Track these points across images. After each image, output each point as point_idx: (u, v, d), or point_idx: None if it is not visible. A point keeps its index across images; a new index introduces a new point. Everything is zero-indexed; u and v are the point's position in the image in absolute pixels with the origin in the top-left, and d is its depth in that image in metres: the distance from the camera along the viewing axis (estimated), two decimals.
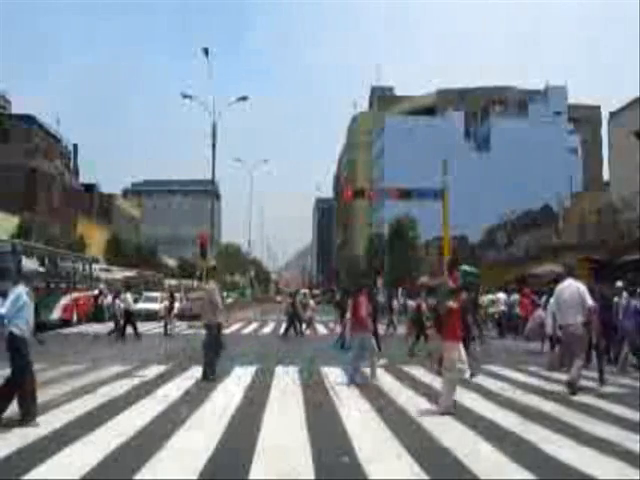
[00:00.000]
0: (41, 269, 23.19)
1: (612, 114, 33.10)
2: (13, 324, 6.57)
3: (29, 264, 21.85)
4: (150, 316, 28.79)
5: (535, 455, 5.38)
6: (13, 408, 6.48)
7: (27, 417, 6.37)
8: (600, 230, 27.83)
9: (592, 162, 73.51)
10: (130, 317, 18.97)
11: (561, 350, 9.73)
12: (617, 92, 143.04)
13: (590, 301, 8.91)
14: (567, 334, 8.99)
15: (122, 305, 19.37)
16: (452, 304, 7.35)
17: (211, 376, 9.81)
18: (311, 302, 23.79)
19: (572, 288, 9.00)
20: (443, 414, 7.02)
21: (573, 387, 8.68)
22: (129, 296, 19.70)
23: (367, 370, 10.02)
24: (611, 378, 10.39)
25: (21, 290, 6.75)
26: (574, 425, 6.64)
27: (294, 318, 20.52)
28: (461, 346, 7.38)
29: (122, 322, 19.03)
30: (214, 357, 10.11)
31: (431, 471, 4.79)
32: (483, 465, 4.99)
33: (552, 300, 9.84)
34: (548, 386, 9.68)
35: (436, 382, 9.89)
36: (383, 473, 4.78)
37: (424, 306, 15.83)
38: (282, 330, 20.93)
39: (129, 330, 18.81)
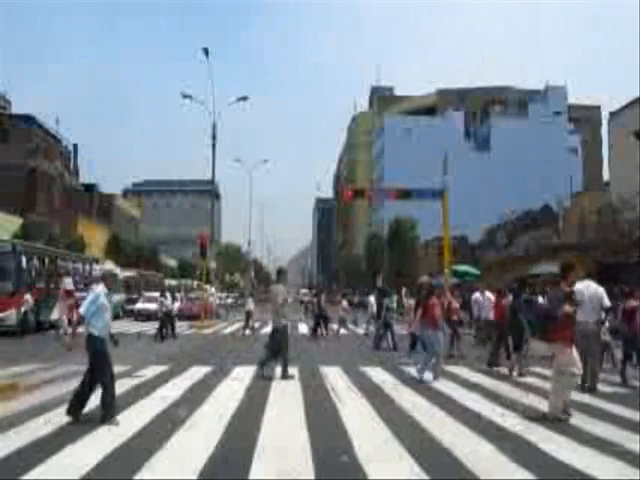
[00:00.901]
0: (41, 269, 23.20)
1: (612, 114, 33.13)
2: (91, 325, 6.62)
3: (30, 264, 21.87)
4: (150, 316, 28.81)
5: (535, 455, 5.38)
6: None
7: (108, 415, 6.42)
8: (600, 230, 27.84)
9: (592, 162, 73.55)
10: (170, 318, 19.54)
11: (579, 350, 9.92)
12: (617, 92, 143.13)
13: (607, 302, 9.37)
14: (585, 332, 9.16)
15: (167, 305, 19.90)
16: (568, 308, 7.22)
17: (288, 375, 10.13)
18: (344, 302, 23.61)
19: (591, 289, 9.36)
20: (552, 420, 6.83)
21: (593, 391, 9.11)
22: (169, 297, 20.39)
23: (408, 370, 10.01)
24: (610, 378, 10.40)
25: (100, 290, 6.77)
26: (574, 425, 6.64)
27: (320, 318, 20.50)
28: (574, 350, 7.38)
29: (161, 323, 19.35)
30: (287, 355, 10.44)
31: (431, 471, 4.79)
32: (483, 465, 4.99)
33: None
34: (548, 386, 9.68)
35: (436, 382, 9.90)
36: (383, 473, 4.78)
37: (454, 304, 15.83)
38: (309, 330, 21.07)
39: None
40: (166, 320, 19.33)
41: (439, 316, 10.76)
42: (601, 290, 9.38)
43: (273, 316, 10.74)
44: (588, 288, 9.36)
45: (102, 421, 6.37)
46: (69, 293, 19.83)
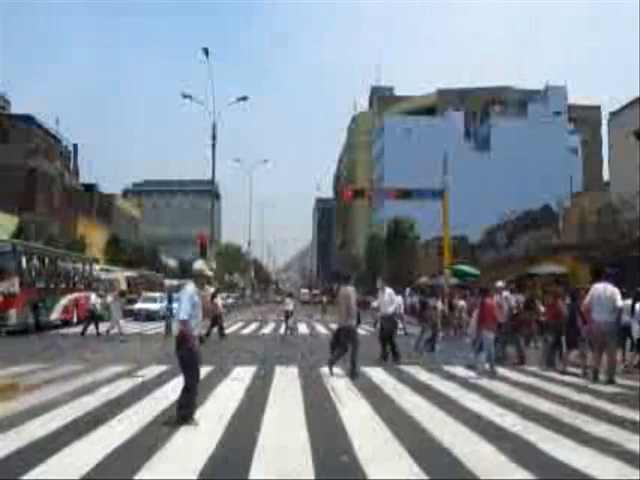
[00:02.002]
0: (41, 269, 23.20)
1: (612, 114, 33.11)
2: (191, 325, 6.59)
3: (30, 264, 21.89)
4: (149, 316, 28.82)
5: (535, 455, 5.38)
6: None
7: (186, 416, 6.42)
8: (600, 230, 27.82)
9: (592, 162, 73.49)
10: (217, 319, 19.76)
11: (596, 348, 10.62)
12: (617, 92, 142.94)
13: (620, 302, 10.10)
14: (600, 329, 10.03)
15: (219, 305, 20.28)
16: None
17: (355, 373, 10.47)
18: (374, 303, 23.63)
19: (607, 291, 10.13)
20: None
21: (611, 383, 9.82)
22: (219, 299, 20.90)
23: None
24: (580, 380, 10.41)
25: (192, 290, 6.76)
26: (574, 425, 6.64)
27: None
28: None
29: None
30: (357, 354, 10.75)
31: (431, 471, 4.79)
32: (483, 465, 4.99)
33: (587, 299, 10.75)
34: (548, 386, 9.70)
35: (436, 382, 9.90)
36: (383, 473, 4.78)
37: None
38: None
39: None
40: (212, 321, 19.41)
41: (495, 317, 11.31)
42: (616, 291, 10.09)
43: (341, 316, 11.10)
44: (605, 289, 10.14)
45: (179, 422, 6.36)
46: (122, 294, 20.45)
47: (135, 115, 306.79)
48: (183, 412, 6.45)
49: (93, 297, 21.20)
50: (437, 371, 11.40)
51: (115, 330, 19.70)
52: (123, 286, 23.97)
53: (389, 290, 13.60)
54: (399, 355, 12.69)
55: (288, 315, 21.84)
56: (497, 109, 79.77)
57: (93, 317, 20.38)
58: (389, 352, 12.80)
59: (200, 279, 6.97)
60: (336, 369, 11.40)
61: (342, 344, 11.03)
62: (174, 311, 9.17)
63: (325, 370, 11.13)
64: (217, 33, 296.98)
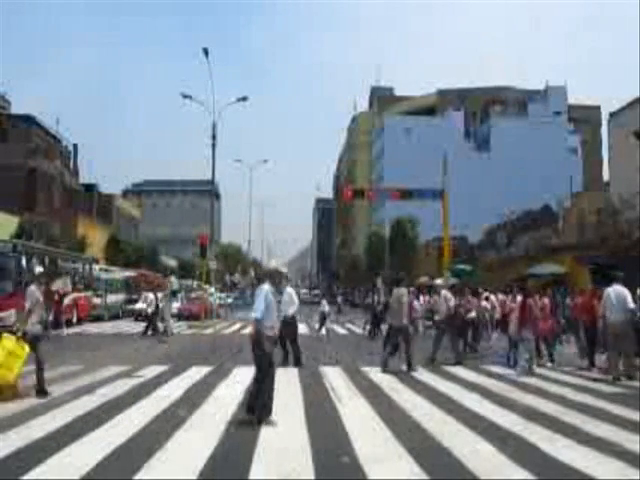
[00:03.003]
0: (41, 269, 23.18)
1: (612, 114, 33.13)
2: (264, 325, 6.60)
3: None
4: (149, 316, 28.75)
5: (535, 455, 5.38)
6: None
7: (263, 416, 6.45)
8: (600, 230, 27.83)
9: (592, 162, 73.52)
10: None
11: (611, 348, 10.93)
12: (617, 92, 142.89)
13: (631, 304, 10.51)
14: (615, 330, 10.45)
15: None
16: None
17: (413, 368, 11.10)
18: (415, 302, 23.51)
19: (618, 292, 10.59)
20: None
21: (632, 379, 10.24)
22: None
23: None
24: (604, 380, 10.41)
25: (267, 289, 6.74)
26: (574, 425, 6.64)
27: (376, 318, 20.55)
28: None
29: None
30: (411, 351, 11.37)
31: (431, 471, 4.79)
32: (483, 465, 4.99)
33: (602, 301, 11.14)
34: (548, 386, 9.70)
35: (436, 383, 9.90)
36: (383, 473, 4.78)
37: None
38: (366, 330, 21.23)
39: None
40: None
41: (536, 317, 11.53)
42: (626, 293, 10.57)
43: (395, 316, 11.61)
44: (615, 291, 10.59)
45: (258, 422, 6.39)
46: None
47: (135, 115, 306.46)
48: (259, 412, 6.47)
49: (150, 297, 21.17)
50: (437, 371, 11.40)
51: (170, 330, 19.98)
52: (175, 286, 24.11)
53: (289, 289, 12.55)
54: (300, 360, 11.83)
55: (325, 316, 21.66)
56: (497, 109, 79.80)
57: (150, 316, 20.49)
58: (300, 356, 12.08)
59: (276, 277, 6.93)
60: (335, 368, 11.42)
61: (394, 342, 11.83)
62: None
63: (325, 370, 11.14)
64: (217, 33, 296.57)
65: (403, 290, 11.73)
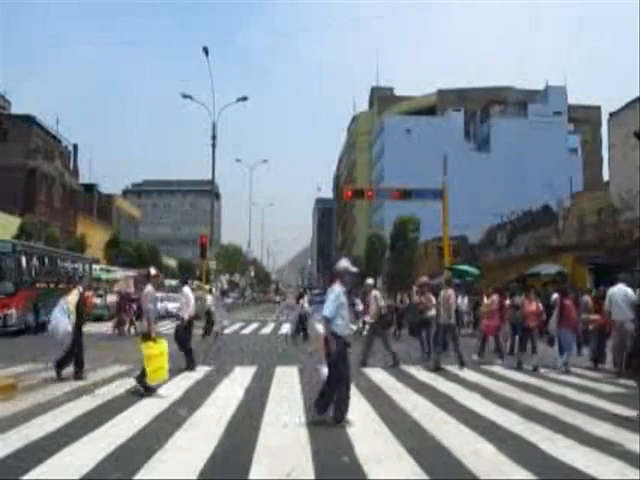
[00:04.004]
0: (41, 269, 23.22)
1: (612, 114, 33.07)
2: (334, 324, 6.60)
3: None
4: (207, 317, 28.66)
5: (535, 455, 5.38)
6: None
7: (338, 417, 6.47)
8: (600, 230, 27.83)
9: (592, 162, 73.46)
10: (304, 321, 20.19)
11: (615, 346, 11.19)
12: (617, 92, 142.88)
13: (637, 302, 10.70)
14: (620, 328, 10.72)
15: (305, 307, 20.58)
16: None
17: (463, 363, 11.79)
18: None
19: (622, 291, 10.92)
20: None
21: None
22: (306, 300, 21.16)
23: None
24: (611, 378, 10.42)
25: (339, 289, 6.75)
26: (574, 425, 6.64)
27: (401, 317, 20.55)
28: None
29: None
30: (458, 346, 12.15)
31: (431, 471, 4.79)
32: (483, 465, 4.99)
33: (606, 301, 11.38)
34: (548, 386, 9.69)
35: (437, 383, 9.90)
36: (383, 473, 4.78)
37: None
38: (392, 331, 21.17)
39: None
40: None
41: (574, 317, 11.90)
42: (630, 291, 10.94)
43: (444, 315, 12.22)
44: (620, 290, 10.91)
45: (336, 421, 6.44)
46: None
47: (135, 115, 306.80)
48: (336, 412, 6.50)
49: (209, 299, 21.30)
50: (437, 371, 11.40)
51: (222, 329, 19.95)
52: (225, 285, 24.31)
53: (186, 289, 12.24)
54: (193, 363, 11.36)
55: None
56: (497, 109, 79.70)
57: (209, 318, 20.55)
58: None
59: (346, 277, 6.93)
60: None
61: (443, 340, 12.36)
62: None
63: (325, 370, 11.13)
64: (217, 33, 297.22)
65: (450, 291, 12.43)
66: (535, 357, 12.26)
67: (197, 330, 16.52)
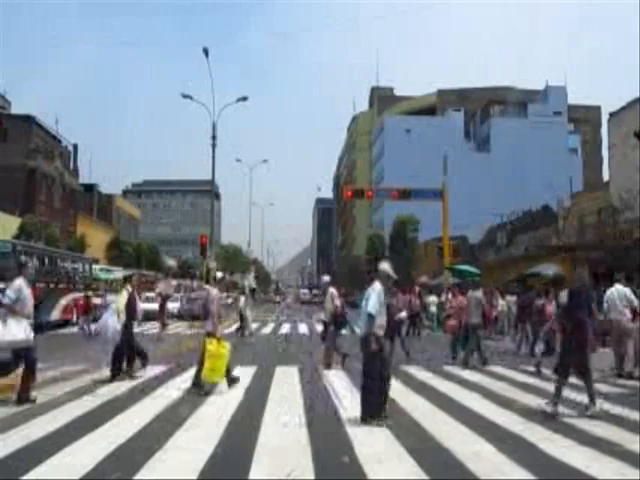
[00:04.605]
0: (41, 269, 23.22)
1: (612, 114, 33.06)
2: (376, 324, 6.59)
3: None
4: (149, 316, 28.74)
5: (535, 455, 5.38)
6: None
7: (369, 412, 6.52)
8: (600, 230, 27.82)
9: (592, 162, 73.46)
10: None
11: (613, 346, 11.18)
12: (617, 92, 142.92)
13: (635, 302, 10.86)
14: (618, 328, 10.77)
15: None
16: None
17: (485, 359, 12.37)
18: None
19: (620, 291, 10.93)
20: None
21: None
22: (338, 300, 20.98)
23: None
24: (611, 379, 10.41)
25: (380, 289, 6.76)
26: (574, 425, 6.64)
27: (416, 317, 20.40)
28: None
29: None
30: (481, 344, 12.71)
31: (431, 471, 4.80)
32: (483, 465, 4.99)
33: (604, 301, 11.34)
34: (548, 386, 9.68)
35: (436, 383, 9.90)
36: (383, 473, 4.78)
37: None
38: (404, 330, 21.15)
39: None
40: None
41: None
42: (627, 291, 10.96)
43: (472, 315, 12.76)
44: (617, 291, 10.94)
45: (362, 420, 6.45)
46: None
47: (135, 115, 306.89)
48: (372, 411, 6.52)
49: (242, 300, 21.45)
50: (437, 371, 11.41)
51: (249, 330, 20.22)
52: (253, 285, 24.44)
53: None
54: (146, 357, 10.91)
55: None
56: (497, 109, 79.69)
57: (242, 318, 20.70)
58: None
59: (385, 279, 6.96)
60: (335, 368, 11.40)
61: (477, 340, 12.72)
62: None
63: (325, 370, 11.15)
64: (217, 33, 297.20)
65: (479, 292, 13.11)
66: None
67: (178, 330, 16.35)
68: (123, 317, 9.83)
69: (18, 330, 7.51)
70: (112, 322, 9.72)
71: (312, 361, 12.57)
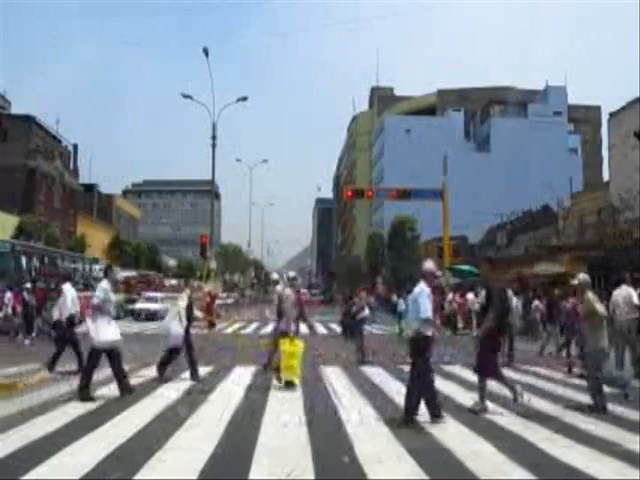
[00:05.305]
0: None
1: (612, 114, 33.06)
2: (430, 326, 6.63)
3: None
4: (149, 316, 28.79)
5: (535, 455, 5.38)
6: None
7: (436, 415, 6.55)
8: (600, 230, 27.81)
9: (592, 162, 73.45)
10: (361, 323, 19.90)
11: (619, 343, 11.09)
12: (617, 92, 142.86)
13: (637, 300, 10.86)
14: (622, 328, 10.76)
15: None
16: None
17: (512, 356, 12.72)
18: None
19: (624, 292, 10.99)
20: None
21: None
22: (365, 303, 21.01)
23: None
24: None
25: (428, 289, 6.80)
26: (574, 425, 6.64)
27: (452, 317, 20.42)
28: None
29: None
30: (512, 344, 13.02)
31: (431, 471, 4.79)
32: (483, 465, 4.99)
33: (611, 302, 11.32)
34: (548, 386, 9.69)
35: (437, 382, 9.88)
36: (383, 473, 4.78)
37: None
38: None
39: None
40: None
41: None
42: (631, 291, 11.04)
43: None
44: (622, 292, 10.99)
45: (405, 423, 6.49)
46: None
47: (135, 115, 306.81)
48: (430, 410, 6.57)
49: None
50: (437, 371, 11.37)
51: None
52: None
53: (67, 286, 11.56)
54: (55, 362, 10.83)
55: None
56: (497, 109, 79.67)
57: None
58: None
59: (430, 278, 7.02)
60: (335, 368, 11.40)
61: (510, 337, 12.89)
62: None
63: (325, 370, 11.14)
64: (217, 33, 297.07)
65: (511, 292, 12.51)
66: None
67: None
68: (185, 321, 9.92)
69: (114, 331, 8.22)
70: (175, 326, 9.85)
71: (312, 361, 12.56)
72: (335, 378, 10.20)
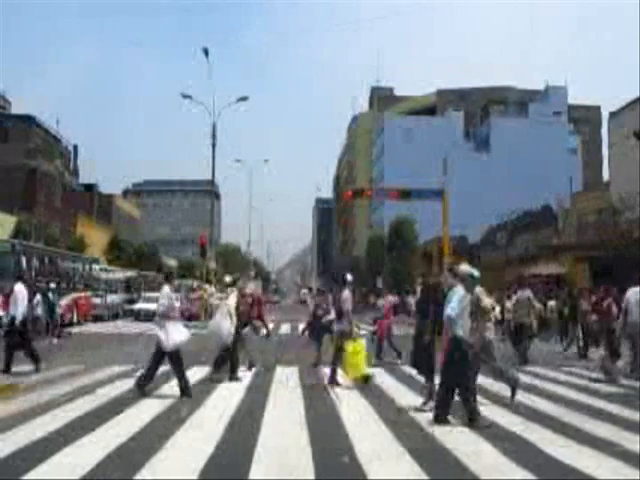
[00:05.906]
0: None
1: (612, 114, 33.08)
2: (459, 326, 6.59)
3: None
4: (149, 316, 28.77)
5: (535, 455, 5.38)
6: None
7: (473, 418, 6.49)
8: (600, 230, 27.82)
9: (592, 162, 73.47)
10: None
11: (634, 348, 11.08)
12: (617, 92, 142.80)
13: None
14: (634, 330, 10.73)
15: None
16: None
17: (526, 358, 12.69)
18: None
19: (638, 294, 10.83)
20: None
21: None
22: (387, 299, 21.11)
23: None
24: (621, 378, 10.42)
25: (463, 291, 6.76)
26: (574, 425, 6.64)
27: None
28: None
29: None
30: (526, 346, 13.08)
31: (431, 471, 4.79)
32: (483, 465, 4.99)
33: (624, 303, 11.29)
34: (548, 386, 9.69)
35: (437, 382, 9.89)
36: (383, 473, 4.78)
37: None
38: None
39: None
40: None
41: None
42: None
43: (523, 315, 13.13)
44: (636, 294, 10.87)
45: (469, 421, 6.47)
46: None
47: (135, 115, 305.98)
48: (469, 412, 6.51)
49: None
50: (437, 371, 11.38)
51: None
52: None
53: (19, 286, 10.98)
54: (39, 360, 10.77)
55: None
56: (497, 109, 79.67)
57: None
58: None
59: (469, 282, 6.97)
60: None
61: (520, 339, 13.08)
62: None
63: (325, 370, 11.14)
64: (217, 33, 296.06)
65: (529, 292, 13.40)
66: (621, 361, 11.73)
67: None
68: (234, 320, 9.96)
69: (179, 334, 8.31)
70: (226, 324, 9.90)
71: (311, 361, 12.56)
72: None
